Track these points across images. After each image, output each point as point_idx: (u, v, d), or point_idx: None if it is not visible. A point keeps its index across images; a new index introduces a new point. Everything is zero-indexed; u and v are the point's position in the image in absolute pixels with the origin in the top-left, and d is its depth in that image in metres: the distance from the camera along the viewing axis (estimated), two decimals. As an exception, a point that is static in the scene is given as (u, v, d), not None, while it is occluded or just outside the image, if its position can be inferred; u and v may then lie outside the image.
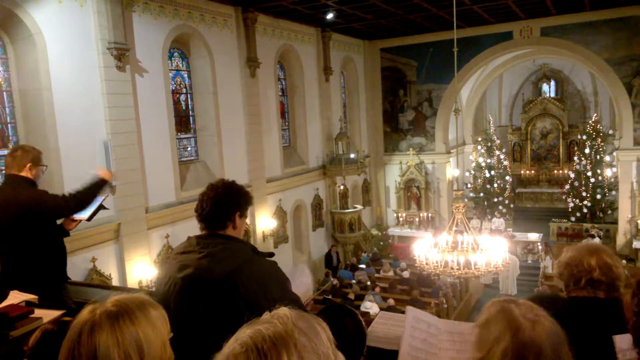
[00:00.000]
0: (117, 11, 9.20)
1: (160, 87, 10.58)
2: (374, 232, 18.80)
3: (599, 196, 18.03)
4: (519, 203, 22.37)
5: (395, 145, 19.23)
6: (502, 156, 20.89)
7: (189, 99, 12.14)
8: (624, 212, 16.11)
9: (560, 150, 22.60)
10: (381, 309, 10.47)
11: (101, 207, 4.03)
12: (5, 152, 7.51)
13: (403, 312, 2.33)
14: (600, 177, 18.25)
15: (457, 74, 13.47)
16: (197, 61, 11.99)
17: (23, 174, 3.72)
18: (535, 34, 16.26)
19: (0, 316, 2.48)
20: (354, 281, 13.81)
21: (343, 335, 1.11)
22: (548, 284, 12.91)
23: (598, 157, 18.54)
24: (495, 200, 20.10)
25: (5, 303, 2.74)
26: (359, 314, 1.98)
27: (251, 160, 13.08)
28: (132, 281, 9.57)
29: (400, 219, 19.01)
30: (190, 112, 12.21)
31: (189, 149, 12.16)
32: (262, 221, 13.34)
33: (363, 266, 15.15)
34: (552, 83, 23.11)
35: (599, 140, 18.69)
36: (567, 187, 19.04)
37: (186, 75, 12.03)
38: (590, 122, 19.43)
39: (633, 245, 15.59)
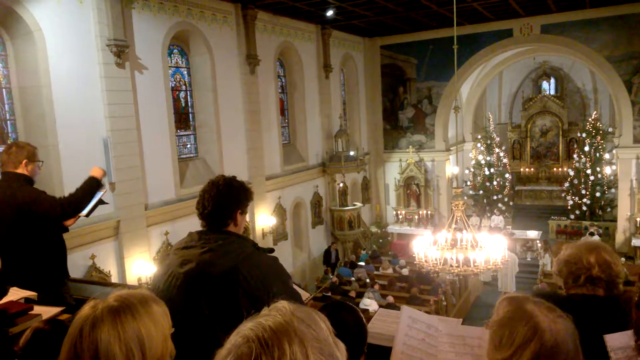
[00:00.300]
0: (116, 8, 9.17)
1: (160, 84, 10.57)
2: (374, 229, 18.82)
3: (598, 194, 18.03)
4: (519, 201, 22.38)
5: (394, 142, 19.23)
6: (501, 154, 20.92)
7: (188, 96, 12.13)
8: (623, 210, 16.12)
9: (560, 148, 22.59)
10: (380, 306, 10.48)
11: (100, 202, 4.01)
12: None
13: (402, 310, 2.33)
14: (599, 175, 18.25)
15: (457, 72, 13.46)
16: (196, 58, 11.98)
17: (19, 170, 3.71)
18: (536, 31, 16.25)
19: (0, 313, 2.49)
20: (353, 279, 13.82)
21: (344, 332, 1.12)
22: (547, 281, 12.93)
23: (598, 154, 18.53)
24: (495, 197, 20.12)
25: (4, 300, 2.74)
26: (359, 311, 1.99)
27: (251, 157, 13.08)
28: (131, 278, 9.58)
29: (400, 217, 19.02)
30: (190, 109, 12.20)
31: (188, 146, 12.15)
32: (262, 219, 13.35)
33: (362, 264, 15.17)
34: (552, 81, 23.08)
35: (599, 138, 18.68)
36: (567, 184, 19.03)
37: (186, 72, 12.02)
38: (590, 119, 19.42)
39: (632, 243, 15.62)
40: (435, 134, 18.48)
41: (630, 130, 15.68)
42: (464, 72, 17.23)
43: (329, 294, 12.22)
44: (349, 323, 1.86)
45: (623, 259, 14.24)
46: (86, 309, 1.31)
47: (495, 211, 19.05)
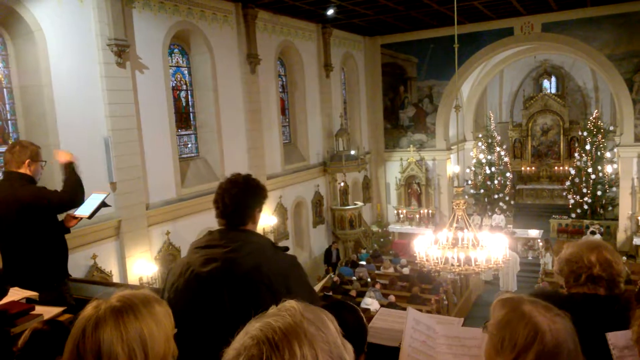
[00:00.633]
0: (117, 7, 9.18)
1: (161, 83, 10.58)
2: (375, 228, 18.81)
3: (599, 193, 18.01)
4: (520, 199, 22.36)
5: (395, 141, 19.22)
6: (502, 153, 20.88)
7: (189, 96, 12.14)
8: (625, 209, 16.11)
9: (561, 147, 22.57)
10: (382, 305, 10.49)
11: (103, 204, 4.01)
12: (5, 148, 7.51)
13: (404, 309, 2.35)
14: (600, 174, 18.22)
15: (457, 70, 13.44)
16: (197, 57, 11.98)
17: (22, 170, 3.70)
18: (536, 29, 16.23)
19: (1, 313, 2.49)
20: (354, 278, 13.83)
21: (345, 332, 1.12)
22: (548, 280, 12.93)
23: (599, 153, 18.50)
24: (496, 196, 20.10)
25: (5, 300, 2.74)
26: (360, 311, 1.99)
27: (251, 157, 13.08)
28: (132, 278, 9.58)
29: (401, 216, 19.02)
30: (191, 108, 12.20)
31: (189, 145, 12.15)
32: (263, 218, 13.34)
33: (363, 263, 15.16)
34: (553, 79, 23.06)
35: (600, 136, 18.66)
36: (568, 183, 19.00)
37: (186, 72, 12.02)
38: (591, 118, 19.39)
39: (633, 242, 15.61)
40: (436, 133, 18.46)
41: (632, 129, 15.66)
42: (464, 70, 17.22)
43: (330, 293, 12.23)
44: (349, 322, 1.86)
45: (624, 258, 14.21)
46: (89, 309, 1.31)
47: (496, 210, 19.04)
